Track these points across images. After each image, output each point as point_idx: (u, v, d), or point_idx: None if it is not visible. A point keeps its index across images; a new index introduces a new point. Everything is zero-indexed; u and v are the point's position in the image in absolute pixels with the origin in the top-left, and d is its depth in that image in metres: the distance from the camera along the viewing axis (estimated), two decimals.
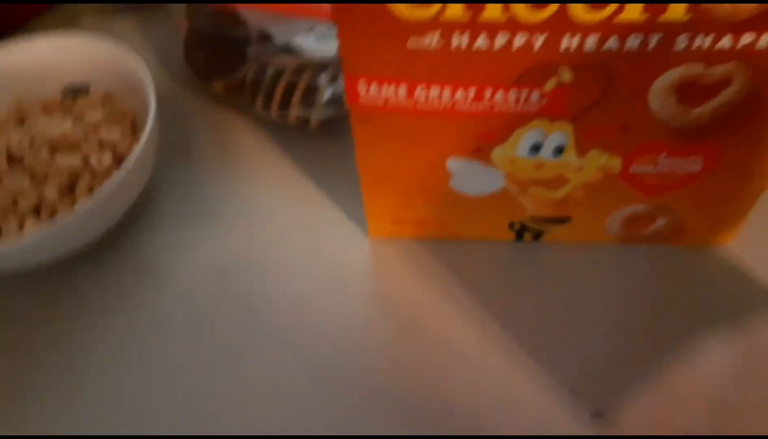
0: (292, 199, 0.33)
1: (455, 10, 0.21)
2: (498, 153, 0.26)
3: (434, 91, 0.24)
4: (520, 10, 0.20)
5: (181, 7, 0.35)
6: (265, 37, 0.32)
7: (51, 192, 0.29)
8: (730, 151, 0.25)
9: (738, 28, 0.20)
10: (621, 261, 0.30)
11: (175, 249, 0.32)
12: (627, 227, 0.29)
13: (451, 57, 0.22)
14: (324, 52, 0.32)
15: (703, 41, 0.20)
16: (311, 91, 0.33)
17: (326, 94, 0.33)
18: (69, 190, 0.30)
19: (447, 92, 0.24)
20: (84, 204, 0.26)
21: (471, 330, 0.28)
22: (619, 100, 0.23)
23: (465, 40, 0.22)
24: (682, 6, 0.19)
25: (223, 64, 0.34)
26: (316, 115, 0.33)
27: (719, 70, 0.21)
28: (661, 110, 0.23)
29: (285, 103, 0.33)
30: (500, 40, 0.21)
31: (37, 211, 0.29)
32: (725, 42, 0.20)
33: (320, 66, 0.32)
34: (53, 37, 0.34)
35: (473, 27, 0.21)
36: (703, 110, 0.23)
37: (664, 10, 0.20)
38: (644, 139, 0.24)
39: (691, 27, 0.20)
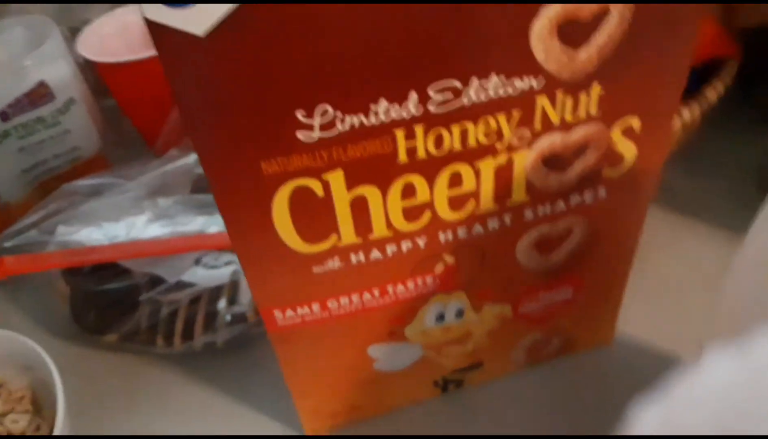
0: (217, 421, 0.33)
1: (349, 238, 0.24)
2: (410, 330, 0.29)
3: (344, 300, 0.26)
4: (401, 225, 0.24)
5: (56, 272, 0.34)
6: (155, 281, 0.33)
7: None
8: (588, 276, 0.30)
9: (566, 194, 0.26)
10: (531, 381, 0.34)
11: None
12: (529, 354, 0.33)
13: (353, 271, 0.25)
14: (215, 279, 0.34)
15: (545, 209, 0.26)
16: (212, 317, 0.34)
17: (227, 316, 0.34)
18: None
19: (356, 297, 0.26)
20: None
21: None
22: (495, 264, 0.27)
23: (362, 256, 0.25)
24: (522, 190, 0.25)
25: (116, 316, 0.33)
26: (221, 336, 0.34)
27: (561, 224, 0.27)
28: (529, 263, 0.28)
29: (188, 335, 0.34)
30: (390, 249, 0.25)
31: None
32: (560, 205, 0.26)
33: (215, 291, 0.34)
34: None
35: (366, 246, 0.24)
36: (558, 254, 0.28)
37: (509, 197, 0.25)
38: (523, 286, 0.29)
39: (531, 203, 0.25)
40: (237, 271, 0.34)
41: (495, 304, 0.29)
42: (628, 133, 0.24)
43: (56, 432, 0.27)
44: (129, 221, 0.34)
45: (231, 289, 0.34)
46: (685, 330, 0.34)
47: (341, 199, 0.23)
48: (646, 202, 0.28)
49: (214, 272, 0.33)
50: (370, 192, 0.23)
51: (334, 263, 0.25)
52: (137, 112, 0.47)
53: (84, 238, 0.33)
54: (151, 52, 0.42)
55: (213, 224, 0.35)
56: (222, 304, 0.33)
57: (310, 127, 0.20)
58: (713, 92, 0.35)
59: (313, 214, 0.23)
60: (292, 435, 0.32)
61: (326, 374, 0.30)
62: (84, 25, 0.46)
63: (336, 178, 0.22)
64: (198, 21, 0.18)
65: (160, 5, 0.17)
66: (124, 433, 0.33)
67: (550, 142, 0.24)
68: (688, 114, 0.35)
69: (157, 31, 0.18)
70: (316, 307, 0.26)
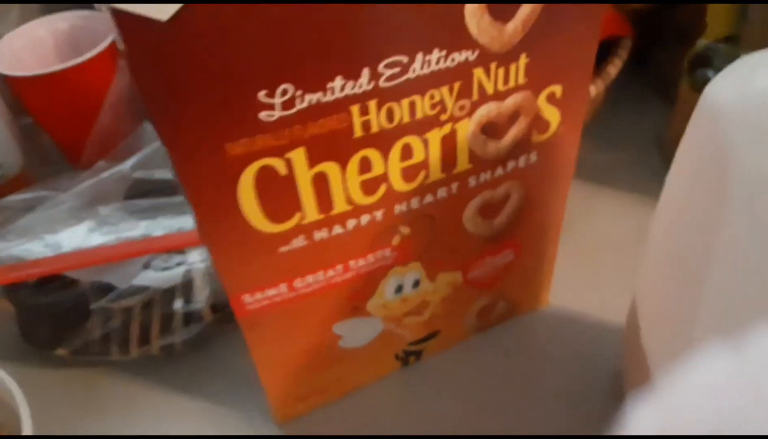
0: (185, 423, 0.33)
1: (312, 215, 0.25)
2: (372, 304, 0.30)
3: (310, 278, 0.27)
4: (360, 199, 0.26)
5: None
6: (104, 289, 0.33)
7: None
8: (525, 239, 0.33)
9: (503, 160, 0.28)
10: (482, 345, 0.36)
11: None
12: (479, 319, 0.36)
13: (318, 248, 0.26)
14: (168, 280, 0.33)
15: (486, 176, 0.28)
16: (168, 319, 0.34)
17: (183, 317, 0.34)
18: None
19: (321, 274, 0.27)
20: None
21: None
22: (446, 232, 0.29)
23: (324, 233, 0.26)
24: (465, 157, 0.27)
25: (67, 328, 0.32)
26: (179, 337, 0.34)
27: (501, 189, 0.29)
28: (475, 229, 0.30)
29: (144, 340, 0.33)
30: (351, 223, 0.26)
31: None
32: (499, 171, 0.28)
33: (169, 293, 0.34)
34: None
35: (328, 222, 0.26)
36: (500, 219, 0.31)
37: (455, 165, 0.27)
38: (471, 252, 0.31)
39: (474, 170, 0.28)
40: (190, 270, 0.34)
41: (447, 272, 0.31)
42: (551, 99, 0.27)
43: None
44: (70, 231, 0.33)
45: (185, 289, 0.34)
46: (608, 290, 0.38)
47: (303, 176, 0.24)
48: (572, 166, 0.31)
49: (166, 273, 0.33)
50: (330, 168, 0.24)
51: (299, 241, 0.26)
52: (56, 128, 0.45)
53: (23, 252, 0.32)
54: (64, 64, 0.41)
55: (157, 228, 0.35)
56: (177, 304, 0.33)
57: (272, 107, 0.22)
58: (613, 68, 0.40)
59: (278, 194, 0.24)
60: (262, 435, 0.33)
61: (294, 357, 0.30)
62: None
63: (298, 156, 0.23)
64: (160, 7, 0.18)
65: None
66: None
67: (487, 111, 0.26)
68: (593, 89, 0.39)
69: (121, 18, 0.18)
70: (283, 287, 0.27)
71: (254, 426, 0.33)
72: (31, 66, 0.44)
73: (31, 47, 0.45)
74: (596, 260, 0.40)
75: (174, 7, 0.18)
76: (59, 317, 0.32)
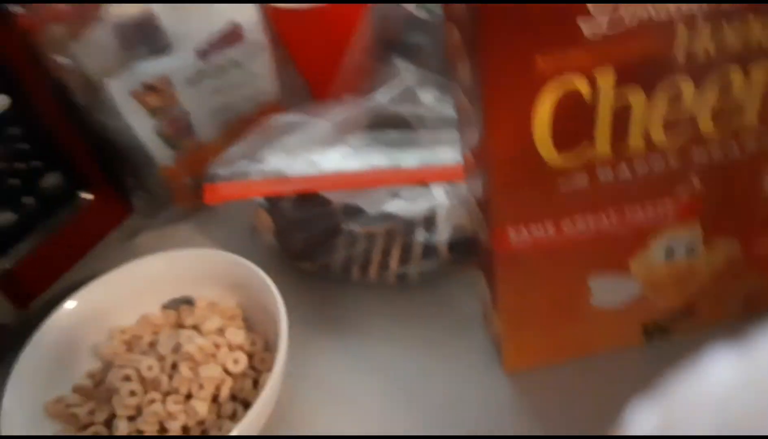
0: (417, 351, 0.33)
1: (603, 147, 0.23)
2: (636, 263, 0.27)
3: (580, 222, 0.25)
4: (659, 138, 0.23)
5: (253, 207, 0.36)
6: (355, 211, 0.34)
7: (201, 408, 0.27)
8: None
9: None
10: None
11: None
12: (747, 302, 0.31)
13: (598, 189, 0.24)
14: (412, 212, 0.34)
15: None
16: (407, 250, 0.34)
17: (422, 249, 0.34)
18: (212, 401, 0.28)
19: (591, 220, 0.25)
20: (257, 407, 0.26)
21: None
22: (741, 193, 0.26)
23: (609, 174, 0.24)
24: None
25: (319, 242, 0.34)
26: (415, 269, 0.34)
27: None
28: None
29: (384, 265, 0.34)
30: (641, 168, 0.24)
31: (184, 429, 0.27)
32: None
33: (410, 225, 0.34)
34: (147, 258, 0.34)
35: (617, 161, 0.23)
36: None
37: None
38: (763, 222, 0.27)
39: None
40: (434, 205, 0.34)
41: (728, 239, 0.27)
42: None
43: (281, 342, 0.28)
44: (327, 154, 0.35)
45: (427, 222, 0.34)
46: None
47: (606, 99, 0.22)
48: None
49: (413, 204, 0.34)
50: (636, 97, 0.22)
51: (581, 180, 0.24)
52: (307, 61, 0.48)
53: (288, 168, 0.35)
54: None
55: (404, 160, 0.36)
56: (419, 236, 0.33)
57: (596, 20, 0.20)
58: None
59: (574, 117, 0.22)
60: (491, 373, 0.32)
61: (541, 306, 0.29)
62: None
63: (605, 76, 0.21)
64: None
65: None
66: (323, 356, 0.34)
67: None
68: None
69: None
70: (550, 227, 0.25)
71: (479, 369, 0.32)
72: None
73: None
74: None
75: None
76: (312, 233, 0.35)
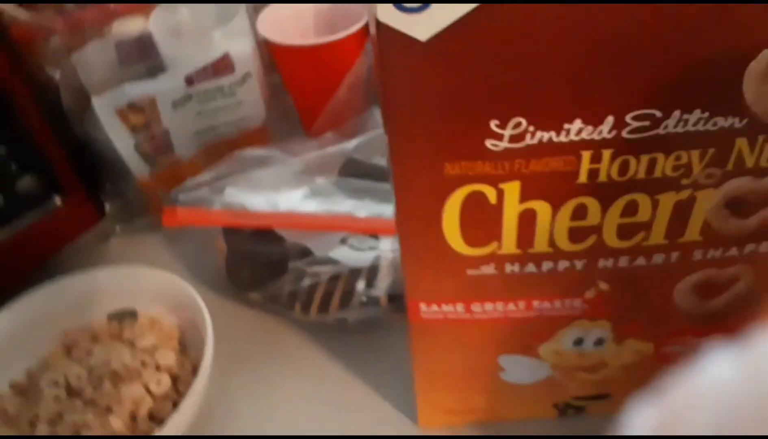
0: (336, 391, 0.35)
1: (509, 248, 0.24)
2: (545, 348, 0.29)
3: (489, 306, 0.27)
4: (564, 245, 0.24)
5: (217, 230, 0.38)
6: (304, 252, 0.36)
7: (116, 423, 0.29)
8: (741, 329, 0.28)
9: (742, 241, 0.24)
10: None
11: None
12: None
13: (505, 280, 0.26)
14: (358, 260, 0.35)
15: (715, 253, 0.25)
16: (348, 296, 0.36)
17: (363, 298, 0.35)
18: (131, 418, 0.30)
19: (500, 305, 0.27)
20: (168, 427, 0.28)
21: None
22: (650, 300, 0.27)
23: (516, 267, 0.25)
24: (697, 229, 0.24)
25: (265, 277, 0.36)
26: (354, 315, 0.36)
27: (729, 271, 0.25)
28: (685, 304, 0.27)
29: (324, 308, 0.36)
30: (546, 265, 0.25)
31: None
32: (732, 251, 0.25)
33: (355, 272, 0.36)
34: (100, 270, 0.36)
35: (523, 258, 0.25)
36: (718, 302, 0.27)
37: (681, 235, 0.24)
38: (672, 327, 0.28)
39: (703, 244, 0.24)
40: (378, 257, 0.35)
41: (638, 340, 0.29)
42: None
43: (202, 370, 0.30)
44: (289, 194, 0.37)
45: (370, 273, 0.35)
46: None
47: (512, 209, 0.23)
48: None
49: (359, 253, 0.35)
50: (541, 207, 0.23)
51: (489, 269, 0.25)
52: (299, 93, 0.50)
53: (247, 202, 0.37)
54: (320, 40, 0.45)
55: (362, 209, 0.37)
56: (360, 285, 0.35)
57: (500, 137, 0.21)
58: None
59: (481, 220, 0.23)
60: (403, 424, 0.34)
61: (453, 372, 0.30)
62: (265, 6, 0.49)
63: (512, 189, 0.23)
64: (423, 27, 0.19)
65: (391, 7, 0.18)
66: (248, 386, 0.36)
67: (739, 185, 0.23)
68: None
69: (383, 32, 0.19)
70: (460, 307, 0.27)
71: (395, 420, 0.34)
72: (292, 35, 0.49)
73: (295, 18, 0.50)
74: None
75: (436, 29, 0.19)
76: (261, 266, 0.36)
